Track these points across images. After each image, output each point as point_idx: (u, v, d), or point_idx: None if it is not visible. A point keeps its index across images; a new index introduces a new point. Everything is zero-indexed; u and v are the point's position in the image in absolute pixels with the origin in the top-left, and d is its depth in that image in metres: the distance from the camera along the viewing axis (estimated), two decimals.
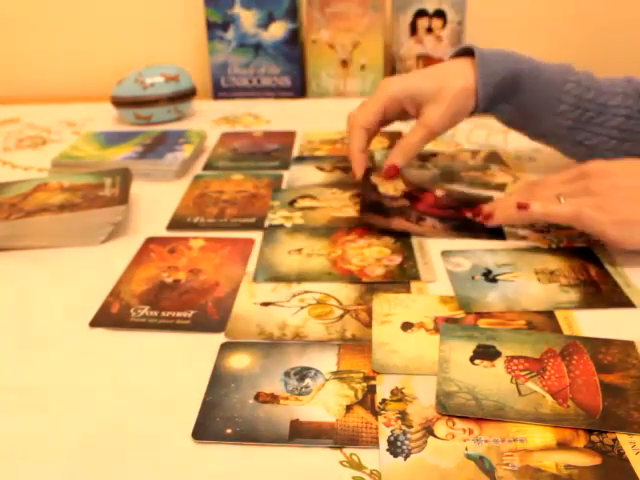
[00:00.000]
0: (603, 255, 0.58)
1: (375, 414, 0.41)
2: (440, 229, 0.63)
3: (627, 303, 0.52)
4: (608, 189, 0.55)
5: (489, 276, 0.56)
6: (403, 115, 0.71)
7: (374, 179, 0.69)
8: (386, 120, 0.72)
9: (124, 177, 0.70)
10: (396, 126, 0.94)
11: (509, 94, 0.68)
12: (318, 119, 0.99)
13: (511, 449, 0.38)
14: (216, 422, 0.41)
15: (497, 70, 0.67)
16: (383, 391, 0.43)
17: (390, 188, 0.68)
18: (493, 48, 0.69)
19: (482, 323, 0.50)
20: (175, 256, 0.61)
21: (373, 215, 0.64)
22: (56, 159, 0.81)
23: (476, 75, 0.67)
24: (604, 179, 0.56)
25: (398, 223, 0.63)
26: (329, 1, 1.05)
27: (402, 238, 0.62)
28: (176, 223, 0.68)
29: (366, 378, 0.44)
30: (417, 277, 0.56)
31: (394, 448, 0.39)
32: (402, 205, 0.66)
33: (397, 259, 0.59)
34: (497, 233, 0.63)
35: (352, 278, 0.56)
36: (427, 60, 1.08)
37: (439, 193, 0.69)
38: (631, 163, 0.57)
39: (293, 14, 1.07)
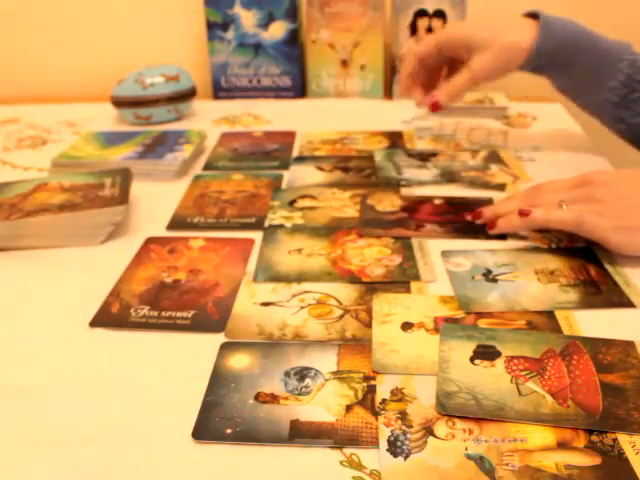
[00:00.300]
0: (603, 255, 0.58)
1: (375, 414, 0.41)
2: (440, 232, 0.63)
3: (627, 303, 0.52)
4: (610, 197, 0.56)
5: (489, 276, 0.56)
6: (458, 57, 0.76)
7: (370, 201, 0.70)
8: (442, 57, 0.77)
9: (124, 177, 0.70)
10: (396, 127, 0.94)
11: (565, 60, 0.71)
12: (318, 119, 0.99)
13: (511, 449, 0.38)
14: (216, 422, 0.41)
15: (558, 34, 0.70)
16: (383, 391, 0.43)
17: (387, 205, 0.69)
18: (558, 16, 0.72)
19: (482, 323, 0.50)
20: (175, 256, 0.61)
21: (372, 229, 0.64)
22: (56, 159, 0.81)
23: (536, 33, 0.70)
24: (606, 187, 0.57)
25: (397, 232, 0.63)
26: (329, 1, 1.05)
27: (402, 238, 0.62)
28: (176, 223, 0.68)
29: (366, 378, 0.44)
30: (417, 277, 0.56)
31: (394, 448, 0.39)
32: (400, 217, 0.66)
33: (397, 259, 0.59)
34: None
35: (352, 278, 0.56)
36: None
37: (437, 201, 0.69)
38: (633, 172, 0.59)
39: (293, 14, 1.07)
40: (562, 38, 0.70)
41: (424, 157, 0.82)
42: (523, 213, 0.59)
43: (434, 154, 0.83)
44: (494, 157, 0.82)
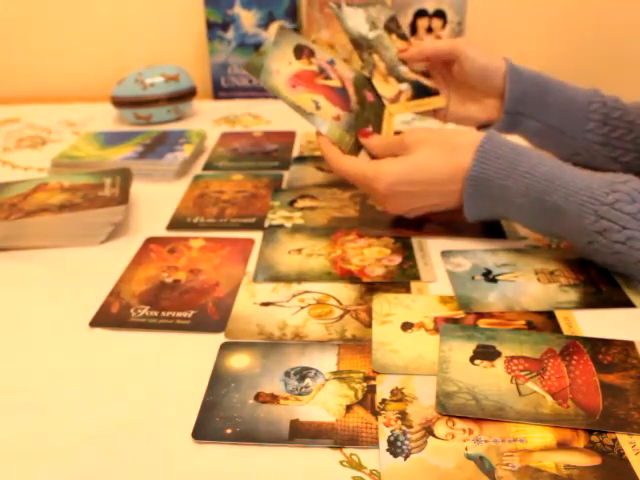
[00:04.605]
0: None
1: (375, 414, 0.41)
2: (440, 232, 0.63)
3: (627, 303, 0.52)
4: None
5: (489, 276, 0.56)
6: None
7: (370, 201, 0.70)
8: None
9: (124, 177, 0.70)
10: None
11: (536, 106, 0.69)
12: None
13: (511, 449, 0.38)
14: (216, 422, 0.41)
15: (526, 74, 0.69)
16: (383, 391, 0.43)
17: None
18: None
19: (482, 323, 0.50)
20: (175, 256, 0.61)
21: (372, 229, 0.64)
22: (56, 159, 0.81)
23: (505, 70, 0.69)
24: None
25: (397, 232, 0.63)
26: (329, 1, 1.05)
27: (402, 238, 0.62)
28: (176, 223, 0.68)
29: (366, 378, 0.44)
30: (417, 277, 0.56)
31: (394, 448, 0.39)
32: (400, 217, 0.66)
33: (397, 259, 0.59)
34: (497, 233, 0.63)
35: (352, 278, 0.56)
36: None
37: None
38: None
39: (293, 14, 1.07)
40: (530, 78, 0.69)
41: None
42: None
43: None
44: None
